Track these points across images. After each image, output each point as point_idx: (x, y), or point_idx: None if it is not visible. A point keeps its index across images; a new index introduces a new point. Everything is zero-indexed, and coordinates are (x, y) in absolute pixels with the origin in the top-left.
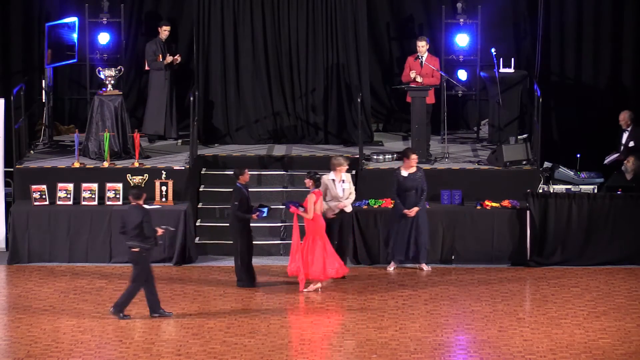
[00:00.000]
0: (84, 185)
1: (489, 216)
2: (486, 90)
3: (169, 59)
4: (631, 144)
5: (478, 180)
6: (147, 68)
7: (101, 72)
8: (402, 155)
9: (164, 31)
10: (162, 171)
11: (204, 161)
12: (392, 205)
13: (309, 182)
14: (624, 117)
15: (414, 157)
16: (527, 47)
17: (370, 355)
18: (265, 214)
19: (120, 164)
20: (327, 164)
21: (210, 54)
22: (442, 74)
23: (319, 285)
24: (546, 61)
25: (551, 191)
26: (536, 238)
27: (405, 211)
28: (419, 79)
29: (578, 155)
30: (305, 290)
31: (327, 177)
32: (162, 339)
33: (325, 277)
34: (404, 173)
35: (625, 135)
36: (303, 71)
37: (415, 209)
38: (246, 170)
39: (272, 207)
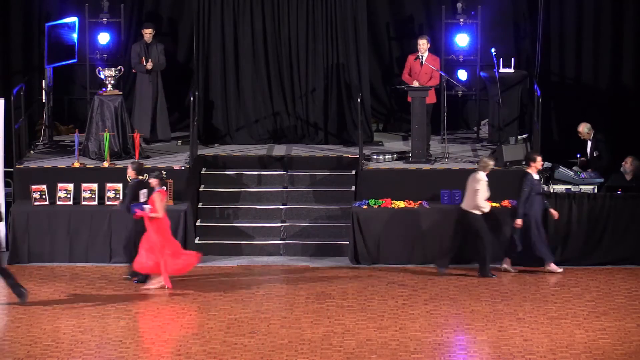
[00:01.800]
0: (84, 185)
1: (489, 216)
2: (486, 90)
3: (148, 65)
4: (595, 153)
5: None
6: (133, 70)
7: (101, 72)
8: (528, 160)
9: (146, 34)
10: (162, 171)
11: (204, 161)
12: (520, 207)
13: (154, 181)
14: (583, 129)
15: (539, 159)
16: (527, 47)
17: (370, 355)
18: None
19: (120, 164)
20: (327, 164)
21: (210, 54)
22: (442, 74)
23: (162, 282)
24: (546, 61)
25: (551, 191)
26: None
27: (553, 211)
28: (416, 84)
29: (578, 155)
30: (147, 287)
31: (484, 178)
32: (162, 339)
33: (186, 269)
34: (536, 176)
35: (589, 146)
36: (303, 71)
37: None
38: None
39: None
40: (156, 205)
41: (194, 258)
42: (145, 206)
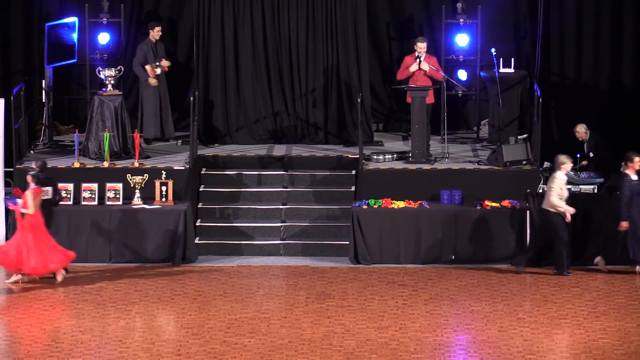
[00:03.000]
0: (84, 185)
1: (489, 216)
2: (486, 90)
3: (162, 68)
4: (591, 154)
5: (478, 180)
6: (134, 70)
7: (101, 72)
8: (626, 160)
9: (156, 32)
10: (162, 171)
11: (204, 161)
12: (624, 209)
13: (28, 178)
14: (580, 130)
15: (637, 159)
16: (527, 47)
17: (370, 355)
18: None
19: (120, 164)
20: (327, 164)
21: (210, 54)
22: (442, 73)
23: (20, 277)
24: (546, 61)
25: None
26: (536, 238)
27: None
28: (425, 67)
29: (578, 155)
30: (7, 281)
31: (560, 177)
32: (162, 339)
33: (47, 270)
34: (634, 177)
35: (586, 146)
36: (303, 71)
37: None
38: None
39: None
40: (27, 202)
41: (68, 257)
42: (19, 200)
